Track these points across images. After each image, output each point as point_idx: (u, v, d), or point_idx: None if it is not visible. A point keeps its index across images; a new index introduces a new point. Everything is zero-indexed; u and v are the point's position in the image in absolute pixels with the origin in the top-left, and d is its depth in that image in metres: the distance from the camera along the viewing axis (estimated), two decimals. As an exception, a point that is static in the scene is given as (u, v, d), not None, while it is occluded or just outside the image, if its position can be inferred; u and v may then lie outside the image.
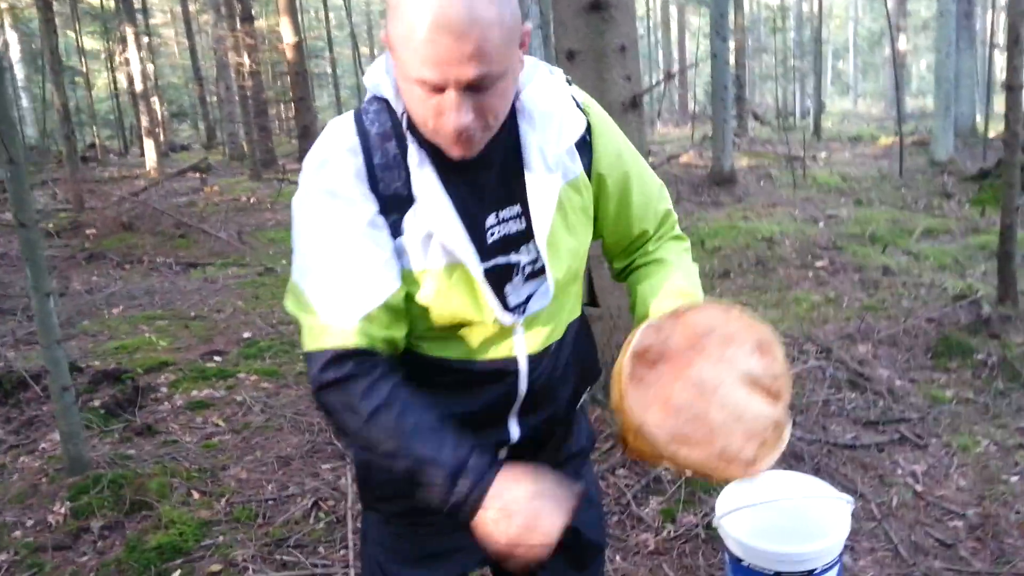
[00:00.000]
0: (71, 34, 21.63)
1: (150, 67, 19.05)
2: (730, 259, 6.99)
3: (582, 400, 1.50)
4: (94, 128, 21.98)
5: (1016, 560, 2.68)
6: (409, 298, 1.21)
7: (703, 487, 3.05)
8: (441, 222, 1.18)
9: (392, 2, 1.07)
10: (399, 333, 1.22)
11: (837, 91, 41.70)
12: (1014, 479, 3.17)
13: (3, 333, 5.49)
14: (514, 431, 1.37)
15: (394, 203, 1.18)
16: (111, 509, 3.23)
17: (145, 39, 19.43)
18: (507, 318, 1.25)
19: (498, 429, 1.36)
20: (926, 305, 5.17)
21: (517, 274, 1.27)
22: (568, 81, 1.31)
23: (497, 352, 1.30)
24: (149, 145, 15.68)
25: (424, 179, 1.18)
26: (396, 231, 1.19)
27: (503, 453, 1.39)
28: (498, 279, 1.24)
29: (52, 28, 11.38)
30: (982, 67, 17.08)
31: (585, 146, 1.30)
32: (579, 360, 1.43)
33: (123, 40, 16.65)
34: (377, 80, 1.22)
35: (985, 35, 18.55)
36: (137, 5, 19.71)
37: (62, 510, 3.30)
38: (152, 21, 25.86)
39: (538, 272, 1.28)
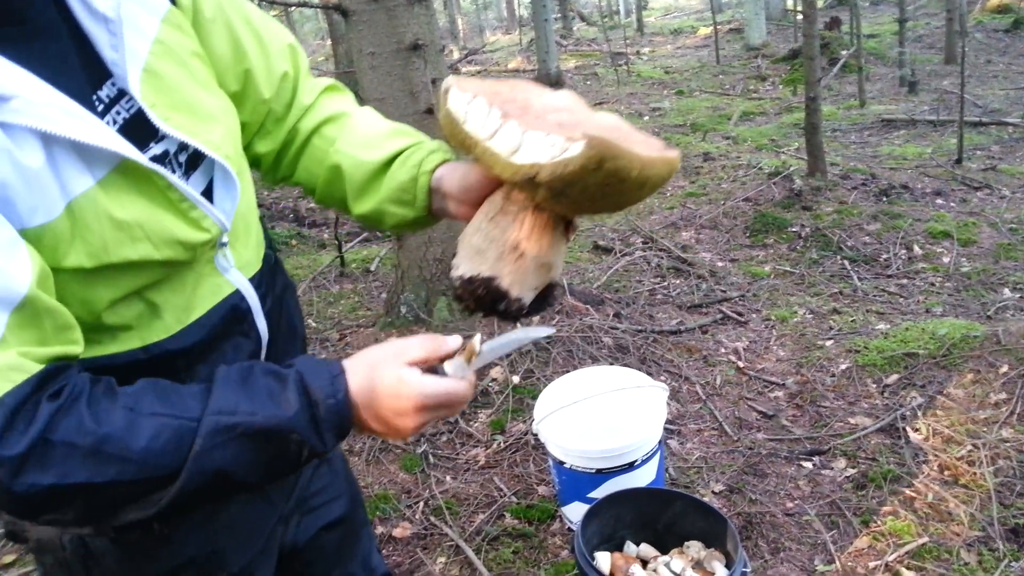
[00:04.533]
0: None
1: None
2: (559, 161, 6.92)
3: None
4: None
5: (832, 421, 2.75)
6: (73, 272, 0.80)
7: (531, 393, 2.97)
8: (59, 114, 0.76)
9: None
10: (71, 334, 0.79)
11: (659, -13, 42.19)
12: (828, 343, 3.26)
13: None
14: None
15: None
16: None
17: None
18: (217, 214, 0.91)
19: None
20: (744, 186, 5.26)
21: (173, 169, 0.88)
22: None
23: (211, 296, 0.94)
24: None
25: None
26: None
27: None
28: None
29: None
30: (788, -49, 17.53)
31: None
32: (279, 269, 1.12)
33: None
34: None
35: (789, -80, 19.02)
36: None
37: None
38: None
39: (196, 158, 0.91)
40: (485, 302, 0.93)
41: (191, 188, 0.87)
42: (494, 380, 3.06)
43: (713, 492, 2.45)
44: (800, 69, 8.84)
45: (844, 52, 9.23)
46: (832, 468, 2.53)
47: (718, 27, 12.50)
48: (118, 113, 0.85)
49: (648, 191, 0.87)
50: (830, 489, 2.43)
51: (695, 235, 4.59)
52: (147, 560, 1.00)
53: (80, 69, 0.83)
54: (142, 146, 0.85)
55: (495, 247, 0.93)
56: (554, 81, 11.00)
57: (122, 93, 0.85)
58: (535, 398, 2.93)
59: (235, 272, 0.97)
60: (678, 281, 3.99)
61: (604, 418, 2.38)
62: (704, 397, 2.94)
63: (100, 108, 0.83)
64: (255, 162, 1.12)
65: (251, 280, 0.99)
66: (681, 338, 3.38)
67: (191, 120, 0.89)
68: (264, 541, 1.09)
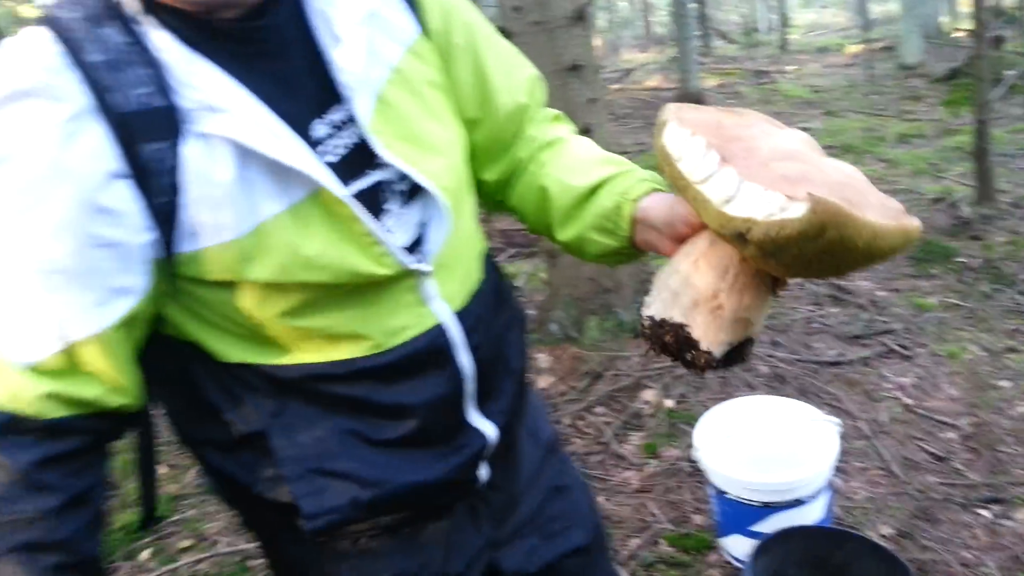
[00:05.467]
0: (9, 3, 20.80)
1: None
2: (702, 181, 6.81)
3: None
4: None
5: (1012, 468, 2.58)
6: (232, 286, 0.83)
7: (684, 418, 2.92)
8: (262, 131, 0.78)
9: None
10: (126, 380, 0.84)
11: (801, 3, 41.07)
12: (1005, 384, 3.06)
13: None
14: (487, 428, 1.02)
15: (148, 125, 0.75)
16: (70, 492, 3.08)
17: None
18: (412, 260, 0.90)
19: (460, 438, 1.00)
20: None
21: (389, 198, 0.90)
22: None
23: (412, 328, 0.93)
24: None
25: (200, 74, 0.78)
26: (167, 179, 0.77)
27: (483, 472, 1.05)
28: (367, 211, 0.87)
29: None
30: (946, -34, 16.71)
31: None
32: (504, 302, 1.10)
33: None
34: None
35: (948, -67, 18.15)
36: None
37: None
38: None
39: (417, 188, 0.91)
40: (671, 349, 0.89)
41: (372, 220, 0.87)
42: (647, 403, 3.03)
43: (881, 535, 2.34)
44: (962, 90, 8.39)
45: (1010, 72, 8.71)
46: (1014, 519, 2.37)
47: (869, 45, 12.02)
48: (343, 137, 0.87)
49: (874, 261, 0.80)
50: (1012, 541, 2.28)
51: (852, 262, 4.41)
52: (353, 572, 1.03)
53: (310, 91, 0.86)
54: (360, 172, 0.88)
55: (691, 293, 0.88)
56: (695, 99, 10.85)
57: (352, 118, 0.87)
58: (688, 423, 2.89)
59: (439, 303, 0.95)
60: (836, 310, 3.84)
61: (771, 450, 2.31)
62: (869, 434, 2.82)
63: (326, 131, 0.86)
64: (477, 187, 1.13)
65: (458, 313, 0.98)
66: (842, 370, 3.25)
67: (414, 150, 0.90)
68: (465, 565, 1.09)
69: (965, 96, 7.83)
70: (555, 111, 1.15)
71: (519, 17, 3.32)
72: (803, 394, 3.04)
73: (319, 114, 0.86)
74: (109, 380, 0.82)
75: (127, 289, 0.79)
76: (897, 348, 3.41)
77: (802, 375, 3.17)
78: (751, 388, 3.03)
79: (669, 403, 3.00)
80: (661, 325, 0.88)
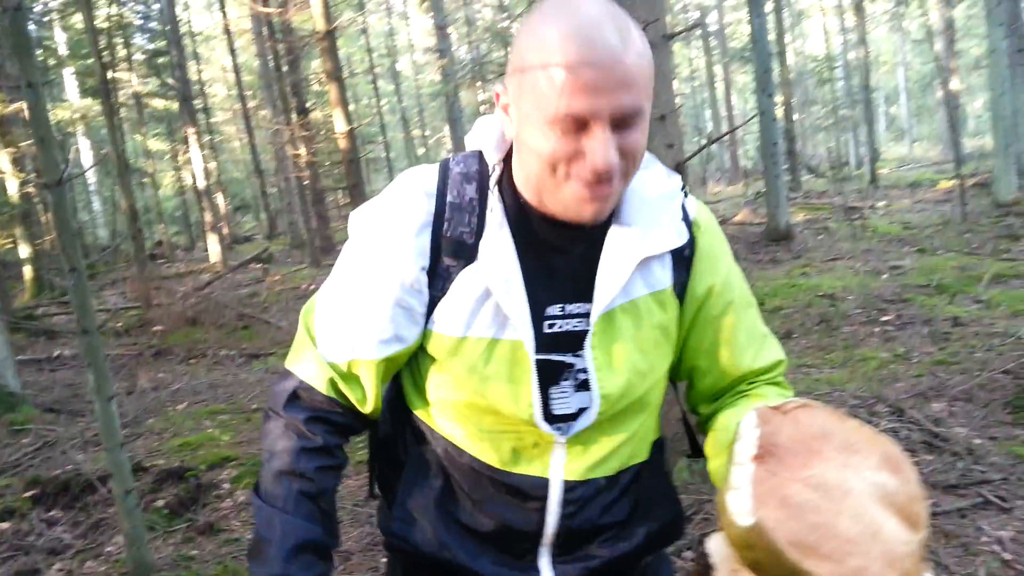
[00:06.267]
0: (138, 137, 22.71)
1: (212, 164, 19.80)
2: (792, 318, 6.83)
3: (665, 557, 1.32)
4: (162, 225, 22.87)
5: (1123, 634, 2.47)
6: (433, 362, 1.15)
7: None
8: (505, 286, 1.07)
9: (524, 41, 0.99)
10: (373, 398, 1.17)
11: (891, 137, 41.14)
12: (1113, 542, 2.95)
13: (72, 435, 5.61)
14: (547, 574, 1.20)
15: (454, 249, 1.10)
16: (174, 613, 3.22)
17: (207, 138, 20.26)
18: (544, 425, 1.12)
19: (524, 566, 1.20)
20: (1001, 356, 4.94)
21: (567, 377, 1.13)
22: (685, 191, 1.18)
23: (525, 466, 1.16)
24: (212, 239, 16.24)
25: (497, 237, 1.09)
26: (443, 283, 1.11)
27: None
28: (544, 377, 1.11)
29: (117, 133, 11.90)
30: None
31: (683, 261, 1.16)
32: (647, 513, 1.24)
33: (186, 140, 17.38)
34: (477, 136, 1.16)
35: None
36: (199, 105, 20.61)
37: (127, 616, 3.30)
38: (213, 120, 26.99)
39: (588, 384, 1.13)
40: None
41: (537, 384, 1.11)
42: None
43: None
44: (1060, 229, 8.25)
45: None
46: None
47: (962, 180, 11.98)
48: (569, 322, 1.12)
49: None
50: None
51: (947, 407, 4.35)
52: None
53: (567, 283, 1.12)
54: (563, 350, 1.12)
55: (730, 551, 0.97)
56: (783, 234, 10.94)
57: (583, 314, 1.11)
58: None
59: (557, 467, 1.15)
60: (930, 457, 3.78)
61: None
62: (966, 590, 2.75)
63: (558, 312, 1.11)
64: (695, 414, 1.28)
65: (568, 483, 1.16)
66: (937, 521, 3.19)
67: (606, 360, 1.12)
68: None
69: (1064, 236, 7.70)
70: (785, 383, 1.25)
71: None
72: (896, 545, 2.98)
73: (563, 302, 1.12)
74: (366, 392, 1.17)
75: (403, 338, 1.14)
76: (995, 499, 3.33)
77: (895, 525, 3.11)
78: (842, 537, 2.99)
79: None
80: (704, 555, 1.00)
